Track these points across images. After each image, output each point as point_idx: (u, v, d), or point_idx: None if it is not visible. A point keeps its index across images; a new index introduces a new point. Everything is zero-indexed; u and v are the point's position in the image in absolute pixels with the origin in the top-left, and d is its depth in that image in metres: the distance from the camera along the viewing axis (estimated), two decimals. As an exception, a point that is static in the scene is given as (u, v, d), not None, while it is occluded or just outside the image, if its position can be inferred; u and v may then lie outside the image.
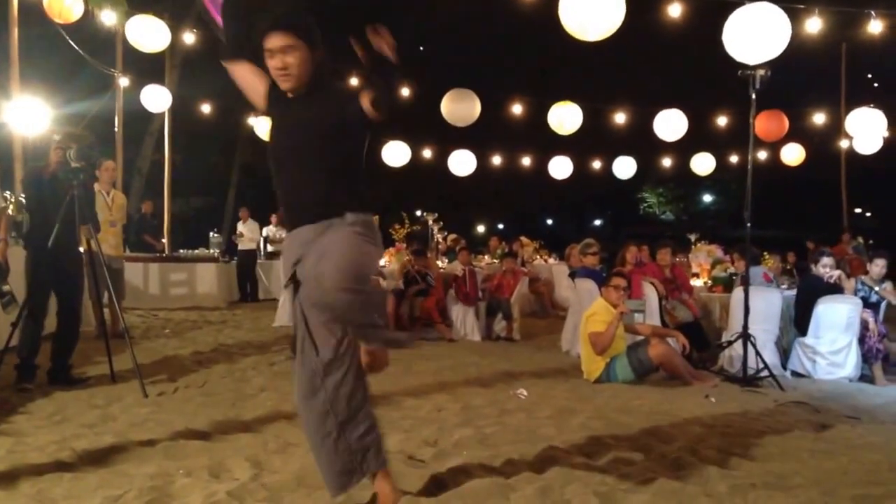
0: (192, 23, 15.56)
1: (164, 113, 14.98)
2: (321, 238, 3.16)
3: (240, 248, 14.78)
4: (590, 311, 7.28)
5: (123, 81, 13.64)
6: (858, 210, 35.09)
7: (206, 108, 16.24)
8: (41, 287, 6.21)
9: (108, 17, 11.15)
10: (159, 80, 14.41)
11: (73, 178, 6.03)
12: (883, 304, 8.41)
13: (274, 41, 3.19)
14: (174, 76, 16.99)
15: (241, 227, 14.95)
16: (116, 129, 13.65)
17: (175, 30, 12.01)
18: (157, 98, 13.10)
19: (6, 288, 6.04)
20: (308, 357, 3.23)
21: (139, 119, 16.34)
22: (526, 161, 19.46)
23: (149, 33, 10.70)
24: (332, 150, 3.25)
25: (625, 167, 18.11)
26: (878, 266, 8.49)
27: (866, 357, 7.79)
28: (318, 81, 3.32)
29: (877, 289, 8.34)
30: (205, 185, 28.01)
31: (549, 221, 50.76)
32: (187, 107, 16.30)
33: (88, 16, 10.43)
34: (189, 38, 13.14)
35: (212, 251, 13.87)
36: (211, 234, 16.13)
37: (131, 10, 11.15)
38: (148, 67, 14.88)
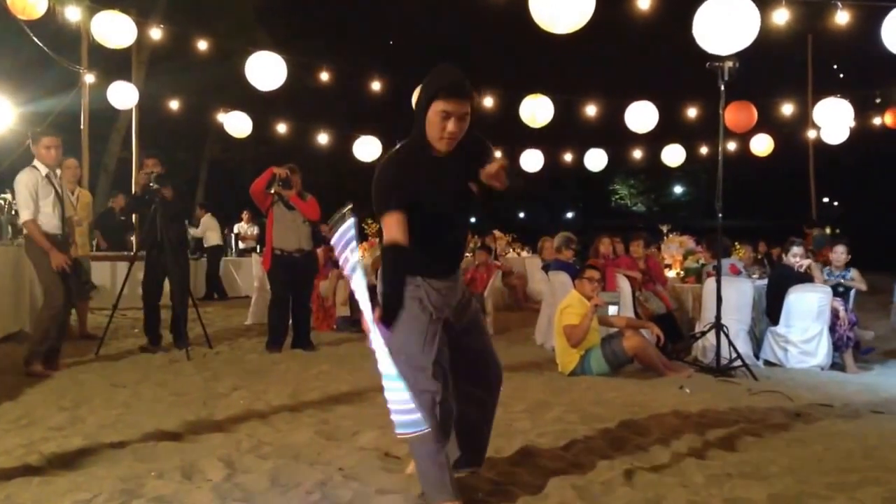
0: (159, 18, 15.38)
1: (130, 110, 14.76)
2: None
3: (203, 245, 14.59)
4: (564, 303, 7.28)
5: (89, 78, 13.41)
6: (826, 199, 35.37)
7: (173, 105, 16.02)
8: (152, 279, 8.16)
9: (72, 14, 10.96)
10: (126, 76, 14.20)
11: (155, 196, 7.90)
12: (852, 293, 8.48)
13: (457, 107, 3.23)
14: (141, 73, 16.76)
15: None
16: (82, 127, 13.41)
17: (141, 26, 11.80)
18: (123, 95, 12.89)
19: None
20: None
21: (106, 116, 16.11)
22: (497, 154, 19.36)
23: (115, 29, 10.48)
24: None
25: (596, 159, 18.11)
26: (838, 253, 8.56)
27: (837, 345, 7.85)
28: None
29: (842, 280, 8.41)
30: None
31: (522, 214, 50.80)
32: (155, 103, 16.06)
33: (52, 12, 10.24)
34: (156, 34, 12.89)
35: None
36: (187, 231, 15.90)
37: (97, 5, 10.95)
38: (114, 64, 14.67)
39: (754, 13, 7.48)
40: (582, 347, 7.04)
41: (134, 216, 11.03)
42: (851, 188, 35.55)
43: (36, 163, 6.82)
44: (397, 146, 3.45)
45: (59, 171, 7.16)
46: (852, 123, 14.33)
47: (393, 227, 3.21)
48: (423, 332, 3.39)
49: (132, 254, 12.47)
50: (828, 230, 15.62)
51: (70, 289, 6.87)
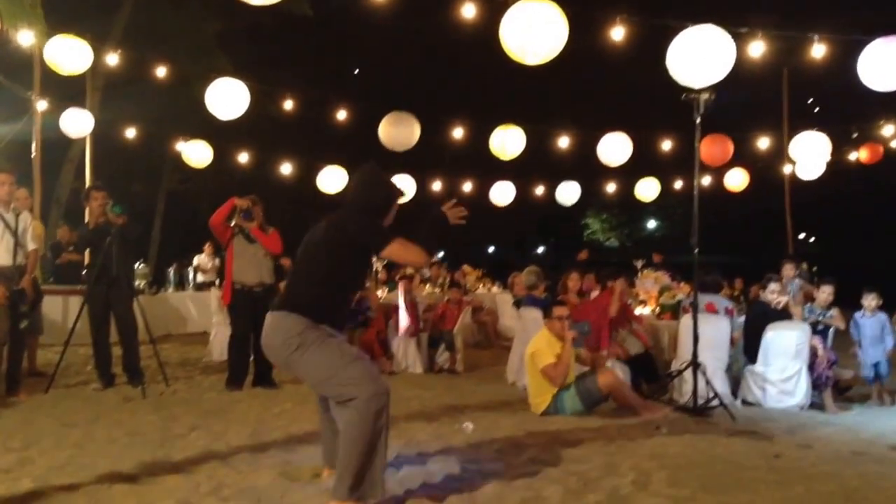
0: (116, 43, 15.01)
1: (84, 138, 14.38)
2: None
3: None
4: (531, 348, 7.09)
5: (41, 105, 13.02)
6: (802, 235, 35.55)
7: (130, 133, 15.62)
8: (96, 316, 7.83)
9: (25, 38, 10.62)
10: (80, 103, 13.85)
11: (111, 229, 7.67)
12: (831, 331, 8.39)
13: None
14: (96, 99, 16.34)
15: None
16: (34, 156, 12.98)
17: (97, 50, 11.39)
18: (77, 122, 12.48)
19: (24, 308, 7.31)
20: None
21: (58, 145, 15.58)
22: (467, 187, 19.15)
23: (69, 54, 10.13)
24: None
25: (568, 193, 17.95)
26: (826, 293, 8.44)
27: (816, 384, 7.71)
28: None
29: (820, 319, 8.30)
30: (129, 213, 27.05)
31: (491, 249, 50.80)
32: (110, 131, 15.57)
33: (3, 35, 9.94)
34: (112, 59, 12.53)
35: (137, 283, 13.24)
36: (136, 264, 15.41)
37: (51, 29, 10.62)
38: (68, 90, 14.26)
39: (729, 45, 7.42)
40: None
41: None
42: (828, 224, 35.73)
43: None
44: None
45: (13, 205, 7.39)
46: (828, 158, 14.25)
47: (403, 242, 4.38)
48: (347, 349, 4.17)
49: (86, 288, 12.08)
50: (805, 266, 15.55)
51: (16, 317, 7.15)
